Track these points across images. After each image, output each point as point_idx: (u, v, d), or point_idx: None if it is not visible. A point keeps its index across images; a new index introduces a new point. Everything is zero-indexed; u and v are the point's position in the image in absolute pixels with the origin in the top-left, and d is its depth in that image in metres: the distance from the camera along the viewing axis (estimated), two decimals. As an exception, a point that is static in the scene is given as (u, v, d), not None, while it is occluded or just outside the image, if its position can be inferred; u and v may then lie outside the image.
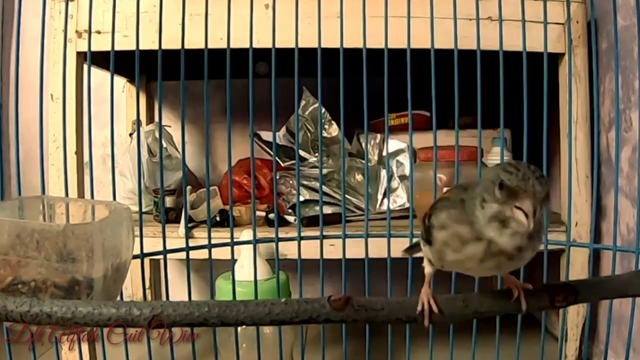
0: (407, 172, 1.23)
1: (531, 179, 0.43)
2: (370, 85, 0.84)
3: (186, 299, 0.73)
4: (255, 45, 0.82)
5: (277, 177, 1.22)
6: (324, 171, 1.21)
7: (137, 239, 0.78)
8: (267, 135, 1.35)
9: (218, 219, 1.16)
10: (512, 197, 0.44)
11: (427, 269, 0.55)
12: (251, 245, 0.89)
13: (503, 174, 0.44)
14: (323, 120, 1.24)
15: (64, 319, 0.48)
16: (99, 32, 0.96)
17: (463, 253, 0.48)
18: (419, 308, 0.51)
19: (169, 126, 1.45)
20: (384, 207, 1.21)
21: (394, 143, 1.25)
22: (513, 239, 0.45)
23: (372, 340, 0.91)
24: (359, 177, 1.24)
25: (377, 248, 0.87)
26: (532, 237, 0.46)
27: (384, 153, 1.23)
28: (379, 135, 1.27)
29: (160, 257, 0.84)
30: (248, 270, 0.94)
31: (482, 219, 0.46)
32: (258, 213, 1.15)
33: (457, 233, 0.48)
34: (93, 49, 0.85)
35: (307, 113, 1.32)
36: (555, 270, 1.11)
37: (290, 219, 1.20)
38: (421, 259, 0.56)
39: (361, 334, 0.91)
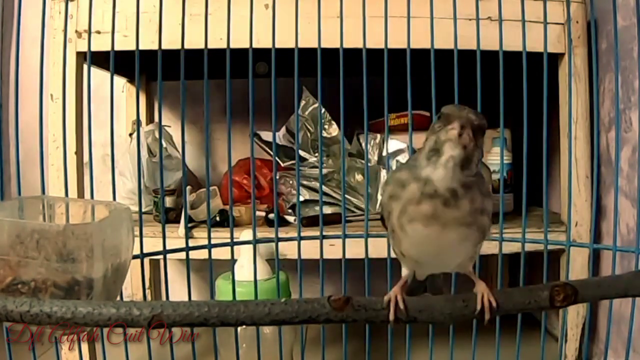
0: (407, 172, 1.23)
1: (466, 109, 0.48)
2: (370, 85, 0.83)
3: (186, 299, 0.73)
4: (255, 45, 0.82)
5: (277, 177, 1.22)
6: (324, 171, 1.21)
7: (137, 239, 0.78)
8: (267, 135, 1.35)
9: (218, 219, 1.16)
10: (447, 122, 0.48)
11: (404, 272, 0.59)
12: (251, 245, 0.89)
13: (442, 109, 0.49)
14: (323, 120, 1.24)
15: (64, 319, 0.49)
16: (98, 32, 0.96)
17: (404, 197, 0.49)
18: (385, 300, 0.53)
19: (169, 126, 1.45)
20: (384, 207, 1.20)
21: (394, 143, 1.25)
22: (446, 169, 0.48)
23: (372, 340, 0.91)
24: (359, 177, 1.23)
25: (377, 248, 0.87)
26: (470, 187, 0.48)
27: (384, 153, 1.23)
28: (379, 135, 1.27)
29: (160, 257, 0.83)
30: (248, 270, 0.94)
31: (422, 159, 0.49)
32: (258, 213, 1.15)
33: (398, 178, 0.51)
34: (93, 49, 0.85)
35: (307, 113, 1.31)
36: (555, 270, 1.11)
37: (290, 219, 1.20)
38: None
39: (361, 334, 0.91)
